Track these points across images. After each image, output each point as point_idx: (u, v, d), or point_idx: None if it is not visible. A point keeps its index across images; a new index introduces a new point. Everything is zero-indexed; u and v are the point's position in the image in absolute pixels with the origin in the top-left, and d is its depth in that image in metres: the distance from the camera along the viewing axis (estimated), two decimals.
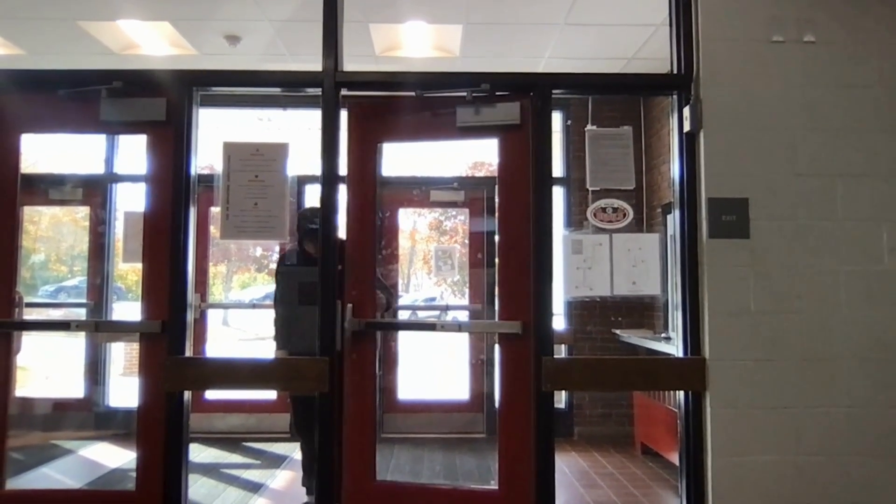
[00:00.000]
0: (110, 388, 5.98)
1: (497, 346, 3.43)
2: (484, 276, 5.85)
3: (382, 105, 3.46)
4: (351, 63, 3.35)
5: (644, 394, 5.14)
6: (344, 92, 3.29)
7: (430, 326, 3.67)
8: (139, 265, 3.35)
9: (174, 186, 3.22)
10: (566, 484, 4.46)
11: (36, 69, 3.49)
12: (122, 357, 7.81)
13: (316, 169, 3.25)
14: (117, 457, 4.93)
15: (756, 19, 3.16)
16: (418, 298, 10.02)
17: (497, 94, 3.34)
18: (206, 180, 3.80)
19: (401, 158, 6.41)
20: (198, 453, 5.14)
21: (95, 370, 5.91)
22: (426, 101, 3.35)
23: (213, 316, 7.06)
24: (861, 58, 3.16)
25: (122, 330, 3.88)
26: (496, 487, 3.32)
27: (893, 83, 3.16)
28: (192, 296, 3.26)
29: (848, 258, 3.09)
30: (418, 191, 6.07)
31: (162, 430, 3.14)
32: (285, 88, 3.52)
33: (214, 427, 5.80)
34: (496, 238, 3.53)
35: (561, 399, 5.83)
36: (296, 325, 3.88)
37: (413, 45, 5.02)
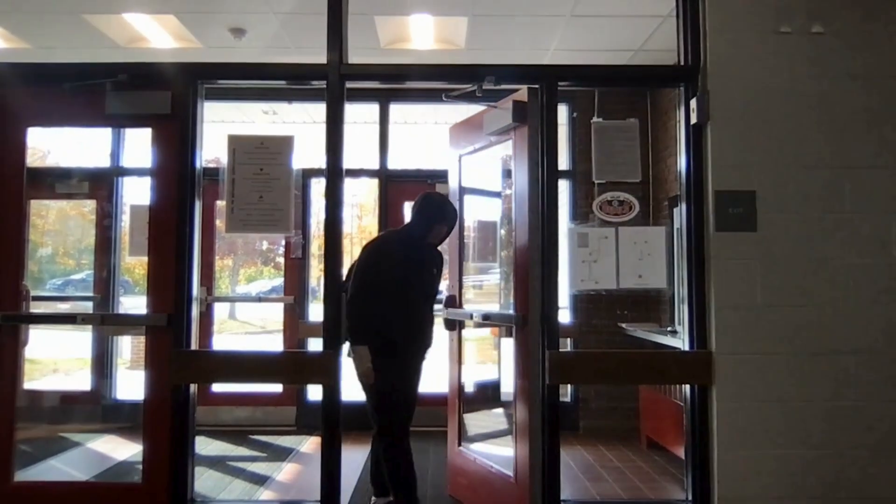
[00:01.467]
0: (117, 381, 5.99)
1: (508, 339, 3.46)
2: (489, 270, 5.84)
3: (462, 125, 4.05)
4: (356, 56, 3.34)
5: (650, 387, 5.13)
6: (349, 84, 3.28)
7: (469, 316, 3.97)
8: (145, 258, 3.36)
9: (179, 180, 3.23)
10: (572, 477, 4.46)
11: (42, 63, 3.49)
12: (129, 350, 7.85)
13: (321, 162, 3.24)
14: (124, 449, 4.96)
15: (764, 10, 3.13)
16: None
17: (507, 87, 3.36)
18: (212, 174, 3.80)
19: (406, 151, 6.42)
20: (204, 446, 5.16)
21: (102, 363, 5.93)
22: (478, 119, 3.65)
23: (219, 309, 7.10)
24: (870, 49, 3.13)
25: (128, 323, 3.88)
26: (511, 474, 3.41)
27: None
28: (197, 289, 3.27)
29: (856, 251, 3.07)
30: (423, 183, 6.05)
31: (168, 422, 3.16)
32: (290, 81, 3.52)
33: (221, 420, 5.82)
34: (501, 232, 3.53)
35: (566, 393, 5.82)
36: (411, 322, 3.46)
37: (418, 37, 5.00)
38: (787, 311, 3.05)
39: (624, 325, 5.63)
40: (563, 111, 5.87)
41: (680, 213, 3.32)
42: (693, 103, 3.18)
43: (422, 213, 3.53)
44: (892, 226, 3.08)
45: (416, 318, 3.49)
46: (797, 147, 3.10)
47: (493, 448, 3.92)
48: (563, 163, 5.83)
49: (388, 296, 3.33)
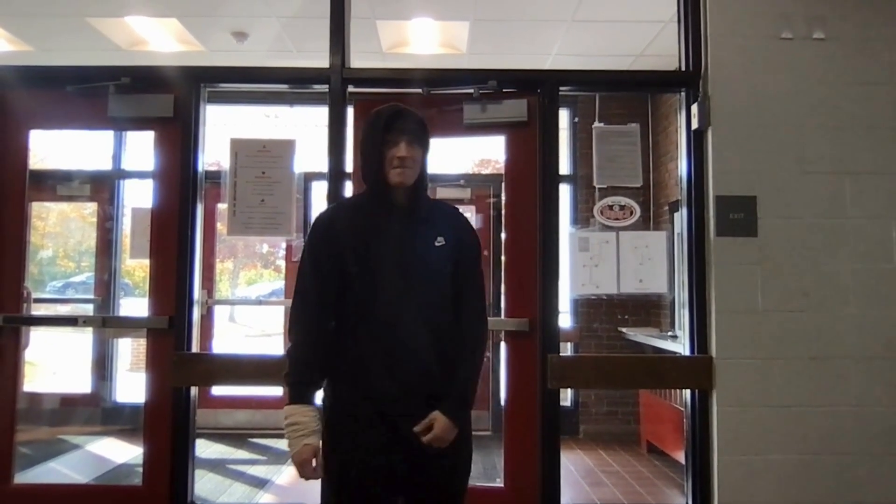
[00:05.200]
0: (117, 384, 5.99)
1: (503, 344, 3.42)
2: (490, 274, 5.84)
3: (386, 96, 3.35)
4: (358, 59, 3.35)
5: (650, 392, 5.13)
6: (351, 89, 3.29)
7: None
8: (146, 261, 3.37)
9: (181, 183, 3.24)
10: (572, 482, 4.46)
11: (44, 65, 3.51)
12: (130, 353, 7.85)
13: (323, 166, 3.25)
14: (124, 452, 4.95)
15: (765, 16, 3.14)
16: None
17: (504, 91, 3.33)
18: (213, 177, 3.81)
19: None
20: (204, 449, 5.15)
21: (102, 366, 5.93)
22: (433, 98, 3.33)
23: (219, 312, 7.10)
24: (871, 54, 3.14)
25: (129, 326, 3.89)
26: (502, 485, 3.32)
27: None
28: (198, 292, 3.27)
29: (856, 257, 3.07)
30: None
31: (169, 425, 3.16)
32: (292, 85, 3.52)
33: (221, 423, 5.81)
34: (502, 236, 3.52)
35: (567, 397, 5.82)
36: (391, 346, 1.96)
37: (420, 41, 5.01)
38: (788, 316, 3.05)
39: (624, 330, 5.63)
40: (563, 116, 5.88)
41: (681, 218, 3.33)
42: (694, 108, 3.18)
43: (361, 144, 2.06)
44: (893, 231, 3.09)
45: (392, 333, 1.95)
46: (798, 152, 3.11)
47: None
48: (564, 167, 5.84)
49: (346, 302, 1.99)
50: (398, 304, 1.96)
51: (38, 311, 5.77)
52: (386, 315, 1.95)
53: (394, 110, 2.02)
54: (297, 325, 2.00)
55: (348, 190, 3.24)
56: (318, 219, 2.10)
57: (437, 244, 2.03)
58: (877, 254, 3.08)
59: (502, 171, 3.49)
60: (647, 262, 3.43)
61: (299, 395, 1.93)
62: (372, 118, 2.04)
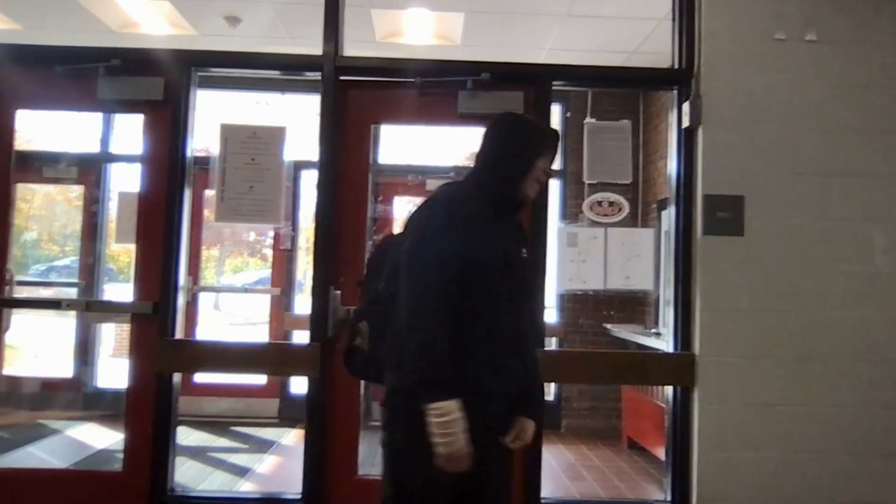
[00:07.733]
0: (99, 369, 5.95)
1: None
2: None
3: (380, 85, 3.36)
4: (351, 48, 3.33)
5: (632, 388, 5.16)
6: (343, 77, 3.27)
7: None
8: (132, 246, 3.34)
9: (170, 167, 3.21)
10: (552, 476, 4.48)
11: (33, 44, 3.45)
12: (112, 338, 7.79)
13: (313, 154, 3.23)
14: (105, 438, 4.92)
15: (759, 16, 3.15)
16: None
17: (499, 83, 3.32)
18: (202, 162, 3.77)
19: (396, 146, 6.39)
20: (185, 436, 5.13)
21: (85, 350, 5.88)
22: (426, 88, 3.31)
23: (204, 299, 7.05)
24: (863, 57, 3.16)
25: (113, 310, 3.85)
26: None
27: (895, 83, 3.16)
28: (184, 278, 3.25)
29: (841, 258, 3.10)
30: (414, 179, 6.02)
31: (150, 411, 3.14)
32: (285, 72, 3.51)
33: (203, 410, 5.78)
34: None
35: (550, 392, 5.85)
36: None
37: (414, 32, 4.98)
38: (772, 315, 3.07)
39: (609, 326, 5.66)
40: (555, 110, 5.88)
41: (668, 216, 3.34)
42: (685, 107, 3.19)
43: (511, 142, 2.03)
44: (877, 234, 3.12)
45: (512, 342, 1.94)
46: (787, 153, 3.13)
47: None
48: (555, 162, 5.84)
49: (488, 301, 1.90)
50: (517, 312, 1.96)
51: (21, 294, 5.71)
52: (507, 323, 1.92)
53: (554, 129, 2.22)
54: (432, 314, 1.81)
55: (342, 180, 3.22)
56: (451, 207, 1.92)
57: (523, 255, 2.08)
58: (860, 256, 3.11)
59: None
60: (634, 258, 3.45)
61: (451, 389, 1.78)
62: (534, 129, 2.13)
